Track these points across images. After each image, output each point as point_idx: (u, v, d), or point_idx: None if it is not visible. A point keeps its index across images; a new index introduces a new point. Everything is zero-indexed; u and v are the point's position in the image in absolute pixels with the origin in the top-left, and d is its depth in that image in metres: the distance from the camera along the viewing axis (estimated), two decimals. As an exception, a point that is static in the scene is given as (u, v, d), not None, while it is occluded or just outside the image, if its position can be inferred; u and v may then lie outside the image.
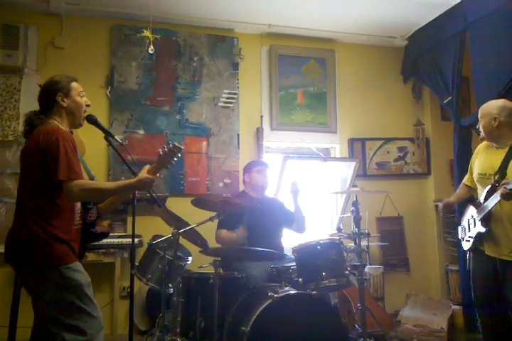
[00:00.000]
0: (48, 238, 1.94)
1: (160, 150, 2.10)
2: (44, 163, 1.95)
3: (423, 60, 4.47)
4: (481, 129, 2.73)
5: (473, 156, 2.92)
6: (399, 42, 4.72)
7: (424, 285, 4.57)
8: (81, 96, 2.16)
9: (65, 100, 2.11)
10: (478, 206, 2.70)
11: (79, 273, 1.99)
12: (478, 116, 2.76)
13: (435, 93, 4.41)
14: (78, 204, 2.11)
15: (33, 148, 1.99)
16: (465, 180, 3.01)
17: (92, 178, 2.28)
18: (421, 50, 4.48)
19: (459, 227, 2.93)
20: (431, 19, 4.25)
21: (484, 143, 2.84)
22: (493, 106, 2.70)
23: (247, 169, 3.64)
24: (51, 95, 2.11)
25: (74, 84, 2.16)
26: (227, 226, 3.33)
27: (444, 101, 4.15)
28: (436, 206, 4.63)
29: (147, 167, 2.11)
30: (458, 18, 3.87)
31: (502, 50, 3.38)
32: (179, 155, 2.11)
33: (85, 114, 2.19)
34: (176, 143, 2.08)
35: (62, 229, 1.98)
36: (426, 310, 3.89)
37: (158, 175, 2.10)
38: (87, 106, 2.19)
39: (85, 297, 1.96)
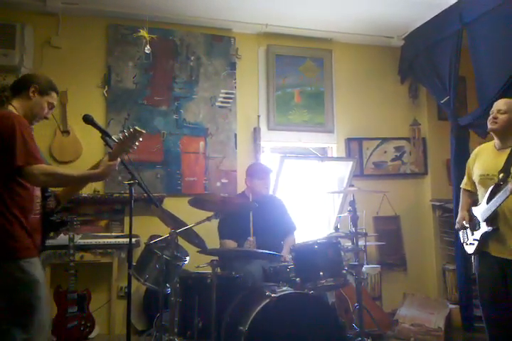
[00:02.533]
0: (11, 229, 1.89)
1: (120, 134, 2.06)
2: (0, 149, 1.89)
3: (420, 60, 4.48)
4: (497, 121, 2.66)
5: (471, 160, 2.88)
6: (396, 42, 4.73)
7: (421, 285, 4.58)
8: (49, 108, 2.15)
9: (36, 95, 2.09)
10: (480, 208, 2.67)
11: (37, 269, 1.95)
12: (503, 108, 2.65)
13: (432, 93, 4.42)
14: (38, 193, 2.06)
15: None
16: (464, 185, 2.93)
17: None
18: (417, 50, 4.49)
19: (460, 232, 2.85)
20: (427, 19, 4.26)
21: (482, 146, 2.85)
22: None
23: (250, 173, 3.54)
24: (27, 83, 2.09)
25: (53, 94, 2.16)
26: (229, 234, 3.31)
27: (442, 101, 4.16)
28: (433, 205, 4.65)
29: (106, 157, 2.05)
30: (454, 18, 3.88)
31: (500, 48, 3.39)
32: (141, 139, 2.08)
33: (36, 123, 2.16)
34: (137, 128, 2.06)
35: (23, 219, 1.93)
36: (423, 309, 3.89)
37: (118, 159, 2.06)
38: (45, 118, 2.17)
39: (38, 294, 1.92)
